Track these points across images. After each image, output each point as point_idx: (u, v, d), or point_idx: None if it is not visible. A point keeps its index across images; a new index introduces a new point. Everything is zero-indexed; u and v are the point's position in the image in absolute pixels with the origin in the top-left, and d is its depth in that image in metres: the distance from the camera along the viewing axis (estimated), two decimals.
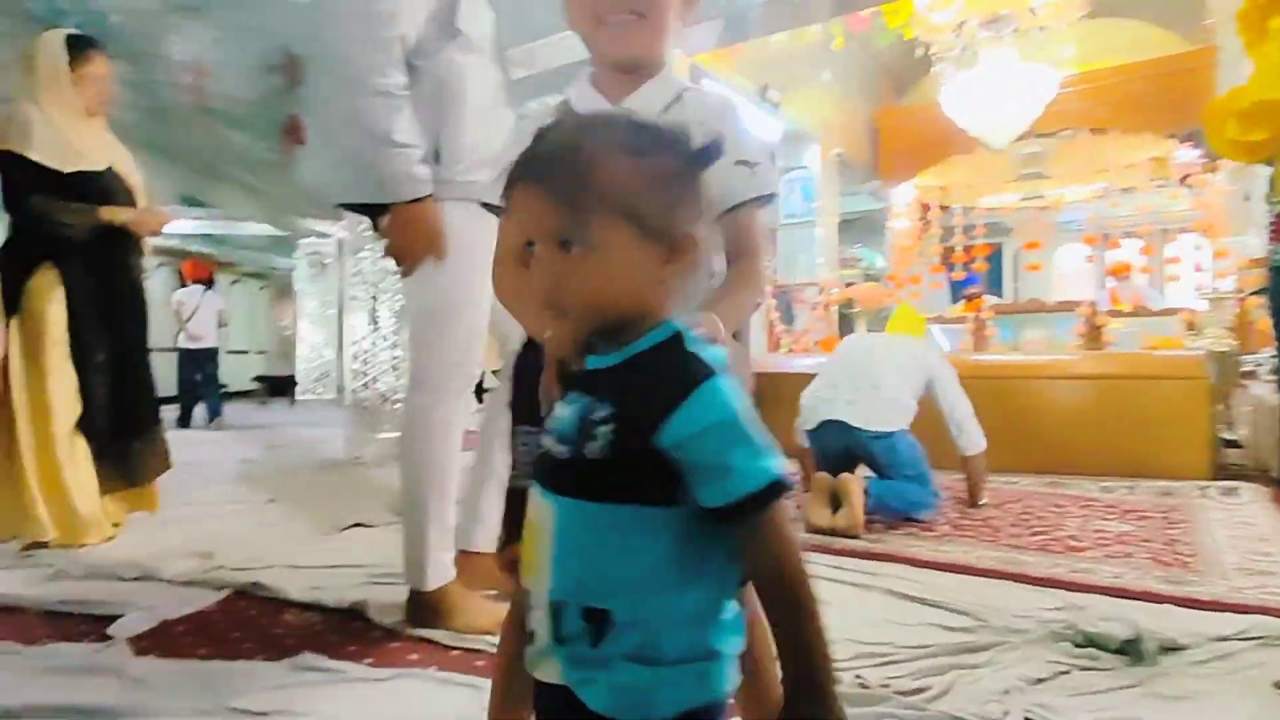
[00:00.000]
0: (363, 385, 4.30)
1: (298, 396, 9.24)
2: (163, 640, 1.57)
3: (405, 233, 1.48)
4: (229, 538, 2.37)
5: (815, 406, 2.71)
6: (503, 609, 1.43)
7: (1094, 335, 4.52)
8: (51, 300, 2.33)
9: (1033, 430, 3.57)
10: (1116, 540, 2.32)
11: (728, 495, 0.57)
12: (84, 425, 2.37)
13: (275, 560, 2.08)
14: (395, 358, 4.21)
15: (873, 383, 2.65)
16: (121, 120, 2.63)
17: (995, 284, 8.32)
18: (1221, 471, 3.39)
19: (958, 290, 6.01)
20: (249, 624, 1.67)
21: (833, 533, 2.40)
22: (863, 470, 2.66)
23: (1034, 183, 5.67)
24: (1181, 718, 1.22)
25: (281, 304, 9.44)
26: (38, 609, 1.76)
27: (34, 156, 2.27)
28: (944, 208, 5.98)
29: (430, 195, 1.48)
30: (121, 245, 2.47)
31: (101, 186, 2.40)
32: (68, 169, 2.32)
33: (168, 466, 2.62)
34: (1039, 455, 3.51)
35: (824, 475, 2.53)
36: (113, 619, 1.66)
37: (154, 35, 4.47)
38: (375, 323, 4.28)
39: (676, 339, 0.61)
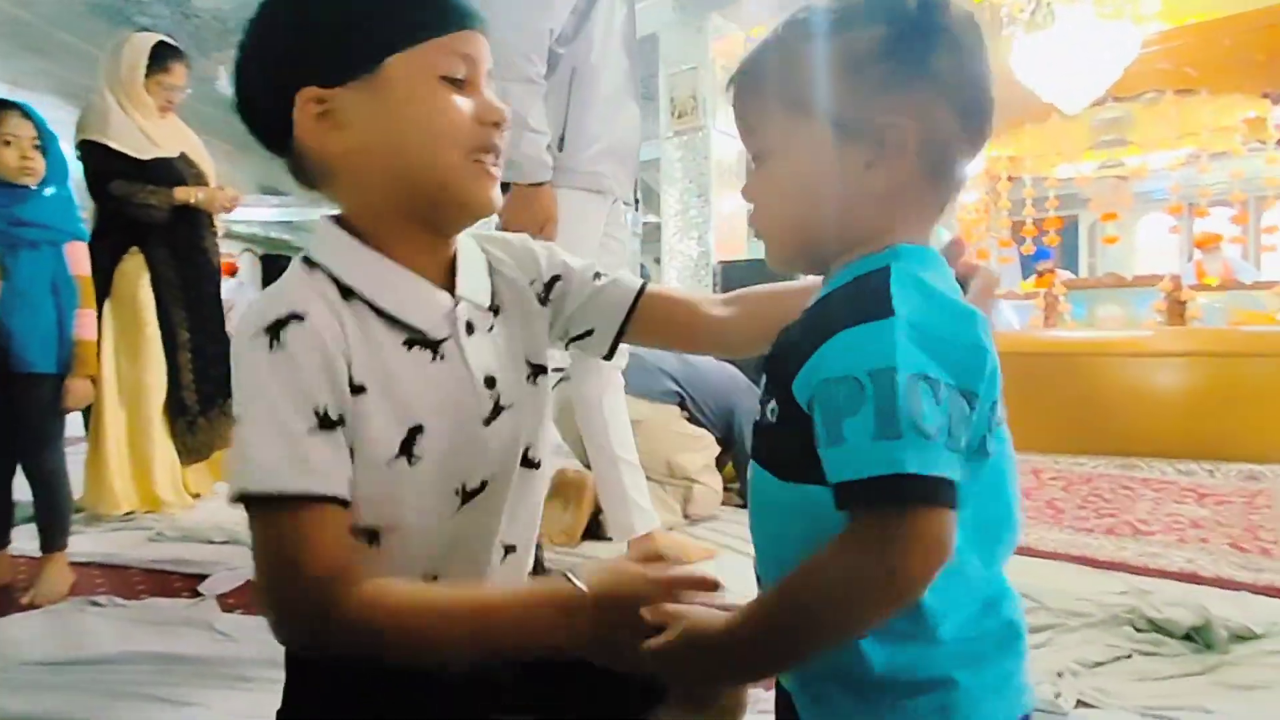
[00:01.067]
0: None
1: None
2: (247, 598, 1.69)
3: (521, 212, 1.52)
4: None
5: None
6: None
7: (1176, 311, 4.30)
8: (140, 284, 2.47)
9: (1105, 410, 3.43)
10: (1191, 525, 2.23)
11: (834, 474, 0.42)
12: (170, 404, 2.52)
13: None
14: None
15: None
16: (201, 112, 2.77)
17: (1070, 259, 7.95)
18: None
19: (1029, 265, 5.78)
20: None
21: None
22: None
23: (1113, 150, 5.36)
24: (1251, 708, 1.19)
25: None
26: (138, 567, 1.91)
27: (113, 144, 2.40)
28: (1013, 179, 5.72)
29: (549, 180, 1.54)
30: (197, 228, 2.59)
31: (175, 171, 2.52)
32: (144, 156, 2.45)
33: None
34: (1111, 436, 3.38)
35: None
36: (203, 578, 1.80)
37: (232, 32, 4.66)
38: None
39: (883, 271, 0.45)
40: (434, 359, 0.58)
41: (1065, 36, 4.14)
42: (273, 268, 11.46)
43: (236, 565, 1.86)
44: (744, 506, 2.48)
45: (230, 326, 7.51)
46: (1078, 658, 1.35)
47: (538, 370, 0.67)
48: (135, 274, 2.47)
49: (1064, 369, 3.54)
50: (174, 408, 2.54)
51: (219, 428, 2.65)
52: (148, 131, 2.49)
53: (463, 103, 0.58)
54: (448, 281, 0.61)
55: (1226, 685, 1.27)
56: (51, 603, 1.65)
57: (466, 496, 0.60)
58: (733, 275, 3.80)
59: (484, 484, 0.61)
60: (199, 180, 2.61)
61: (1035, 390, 3.55)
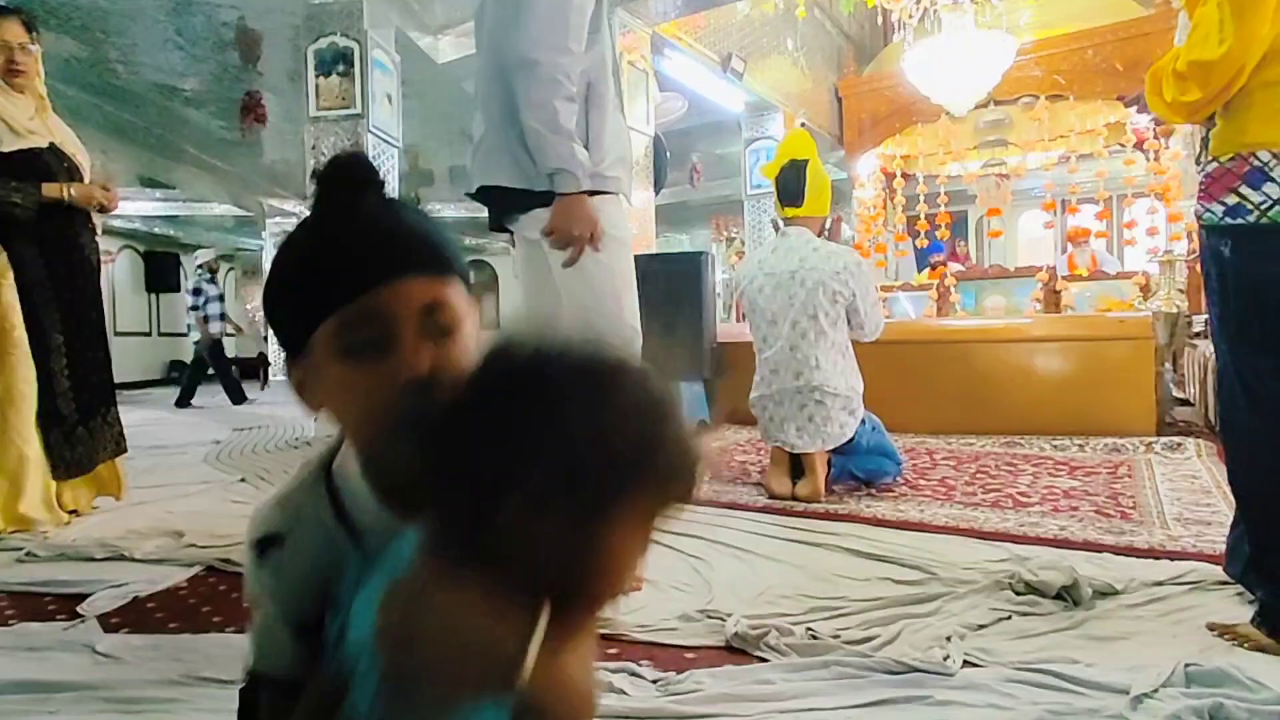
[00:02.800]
0: None
1: (271, 378, 9.14)
2: (133, 616, 1.59)
3: (573, 221, 1.64)
4: (199, 516, 2.38)
5: (767, 425, 2.60)
6: None
7: (1053, 299, 4.65)
8: (3, 286, 2.27)
9: (992, 393, 3.69)
10: (1064, 495, 2.42)
11: None
12: (43, 414, 2.32)
13: (244, 537, 2.09)
14: None
15: (816, 398, 2.47)
16: (75, 100, 2.56)
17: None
18: (1169, 428, 3.53)
19: (924, 258, 6.10)
20: (219, 598, 1.70)
21: (794, 500, 2.47)
22: None
23: (995, 150, 5.74)
24: (1112, 655, 1.30)
25: (250, 285, 9.30)
26: (6, 590, 1.77)
27: None
28: (907, 176, 6.03)
29: (587, 190, 1.66)
30: (71, 224, 2.40)
31: (44, 164, 2.34)
32: (6, 148, 2.26)
33: (122, 451, 2.57)
34: (998, 417, 3.63)
35: (782, 446, 2.57)
36: (84, 598, 1.68)
37: (104, 11, 4.33)
38: None
39: None
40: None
41: (950, 43, 4.40)
42: (155, 264, 10.76)
43: (122, 582, 1.75)
44: None
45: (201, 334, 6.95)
46: (964, 622, 1.44)
47: None
48: (8, 292, 2.27)
49: (955, 355, 3.77)
50: (48, 417, 2.34)
51: (101, 438, 2.47)
52: (9, 120, 2.29)
53: (369, 375, 0.54)
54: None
55: (1092, 638, 1.39)
56: None
57: None
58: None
59: None
60: (72, 174, 2.42)
61: (931, 376, 3.77)
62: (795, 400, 2.50)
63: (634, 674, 1.27)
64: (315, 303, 0.55)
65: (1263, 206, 1.30)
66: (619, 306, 1.75)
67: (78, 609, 1.62)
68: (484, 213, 1.88)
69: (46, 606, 1.66)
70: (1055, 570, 1.58)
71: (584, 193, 1.66)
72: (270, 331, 0.59)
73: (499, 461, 0.43)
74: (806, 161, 2.59)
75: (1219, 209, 1.35)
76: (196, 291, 7.11)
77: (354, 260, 0.55)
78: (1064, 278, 4.90)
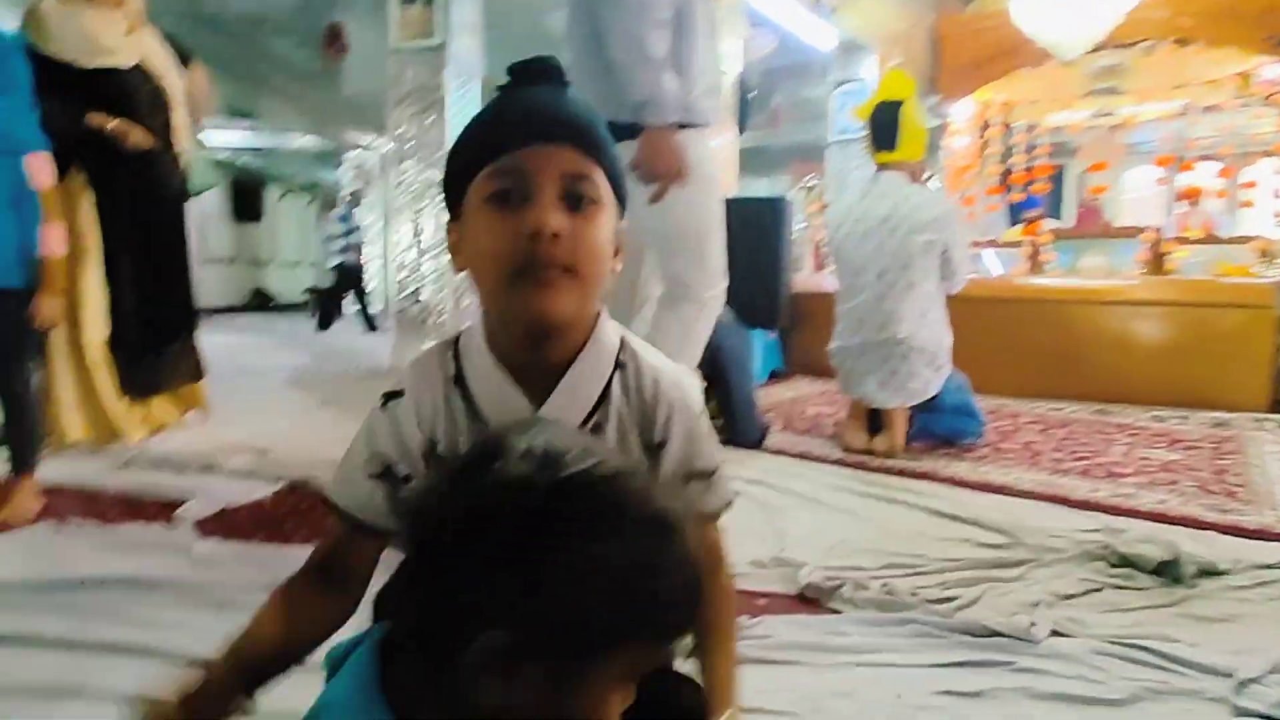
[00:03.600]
0: (406, 296, 4.36)
1: (345, 309, 9.44)
2: (224, 525, 1.67)
3: (657, 159, 1.58)
4: (282, 436, 2.47)
5: (847, 377, 2.53)
6: None
7: (1157, 262, 4.33)
8: (81, 207, 2.25)
9: (1085, 357, 3.48)
10: (1162, 468, 2.28)
11: None
12: (112, 338, 2.34)
13: (326, 457, 2.17)
14: (437, 269, 4.25)
15: (900, 352, 2.36)
16: (165, 29, 2.56)
17: (1057, 208, 7.96)
18: None
19: (1016, 213, 5.76)
20: (301, 514, 1.76)
21: (870, 454, 2.40)
22: None
23: (1106, 99, 5.30)
24: (1215, 637, 1.22)
25: (329, 217, 9.54)
26: (109, 493, 1.88)
27: (50, 50, 2.14)
28: (1006, 125, 5.65)
29: (677, 121, 1.60)
30: (150, 152, 2.35)
31: (125, 85, 2.28)
32: (87, 65, 2.19)
33: (198, 377, 2.62)
34: (1090, 382, 3.44)
35: (861, 400, 2.49)
36: (179, 504, 1.77)
37: None
38: (419, 235, 4.30)
39: None
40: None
41: None
42: (241, 194, 11.13)
43: (215, 493, 1.84)
44: (726, 443, 2.51)
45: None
46: (1051, 590, 1.38)
47: None
48: (77, 195, 2.25)
49: (1046, 316, 3.57)
50: (115, 341, 2.34)
51: (175, 364, 2.50)
52: (92, 37, 2.21)
53: (505, 221, 0.59)
54: (543, 388, 0.64)
55: (1192, 617, 1.31)
56: (20, 525, 1.62)
57: None
58: None
59: None
60: (155, 98, 2.37)
61: (1016, 336, 3.59)
62: (878, 353, 2.40)
63: None
64: (473, 158, 0.61)
65: None
66: (704, 245, 1.69)
67: (173, 514, 1.71)
68: None
69: (148, 510, 1.76)
70: (1154, 544, 1.49)
71: (672, 126, 1.60)
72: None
73: (472, 595, 0.41)
74: (902, 103, 2.43)
75: None
76: (344, 219, 7.41)
77: (511, 123, 0.61)
78: (1172, 239, 4.55)
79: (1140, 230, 4.66)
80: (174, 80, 2.48)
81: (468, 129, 0.64)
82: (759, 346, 3.89)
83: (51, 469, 1.91)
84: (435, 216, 4.26)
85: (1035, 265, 4.58)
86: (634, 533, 0.43)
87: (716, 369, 2.48)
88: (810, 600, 1.34)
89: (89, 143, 2.23)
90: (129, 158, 2.32)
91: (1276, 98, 4.76)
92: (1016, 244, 4.87)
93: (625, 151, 1.63)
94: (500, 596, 0.40)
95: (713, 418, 2.53)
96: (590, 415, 0.65)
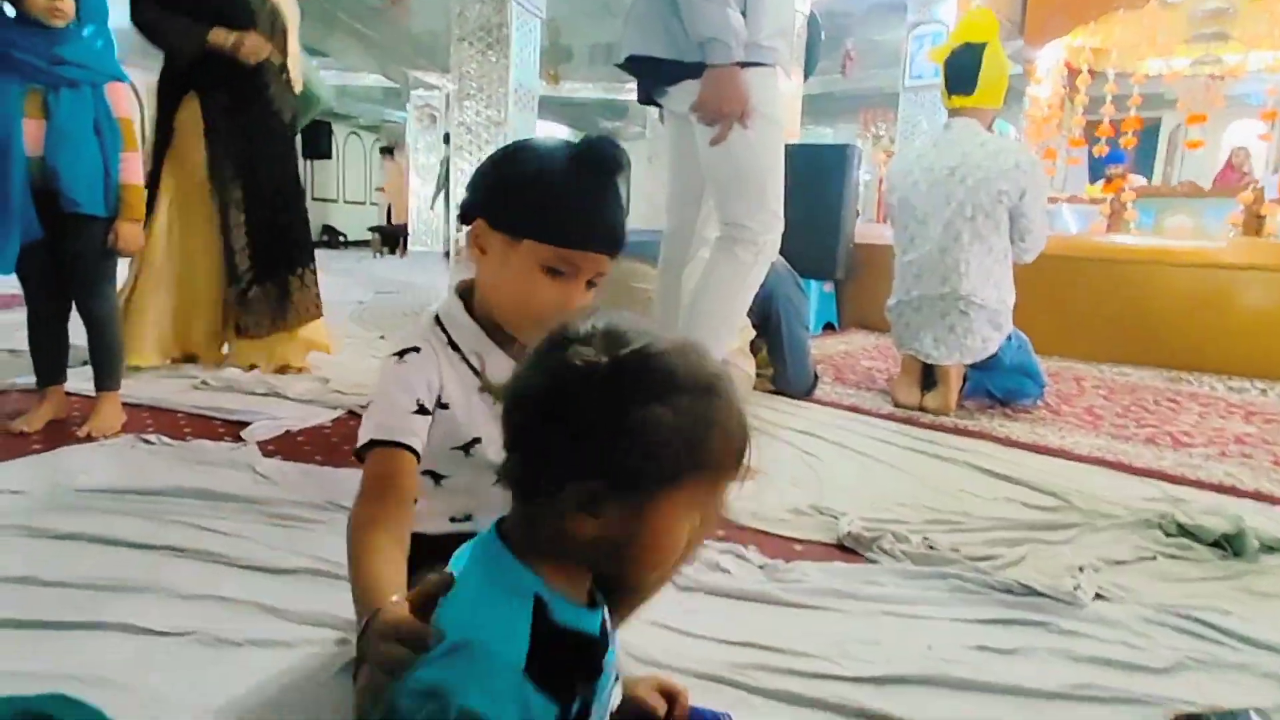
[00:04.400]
0: (466, 235, 4.42)
1: (409, 248, 9.62)
2: (285, 446, 1.76)
3: (721, 97, 1.56)
4: (342, 367, 2.56)
5: (902, 331, 2.46)
6: None
7: (1254, 225, 4.05)
8: (194, 134, 2.29)
9: (1160, 322, 3.31)
10: (1235, 440, 2.17)
11: None
12: (223, 270, 2.37)
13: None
14: None
15: (960, 308, 2.29)
16: None
17: (1145, 164, 7.47)
18: None
19: (1099, 168, 5.44)
20: (355, 440, 1.84)
21: (921, 411, 2.35)
22: None
23: (1210, 45, 4.90)
24: (1270, 613, 1.18)
25: (394, 156, 9.66)
26: (184, 411, 1.99)
27: None
28: (1095, 73, 5.29)
29: (742, 60, 1.56)
30: (260, 75, 2.34)
31: (246, 4, 2.28)
32: None
33: (318, 312, 2.55)
34: (1163, 349, 3.27)
35: (915, 355, 2.43)
36: (245, 425, 1.87)
37: None
38: None
39: None
40: (495, 403, 0.73)
41: None
42: (311, 132, 11.32)
43: (278, 416, 1.93)
44: (775, 392, 2.50)
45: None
46: (1101, 555, 1.34)
47: None
48: (191, 124, 2.30)
49: (1122, 277, 3.39)
50: (227, 274, 2.38)
51: (288, 301, 2.44)
52: None
53: (554, 290, 0.80)
54: (520, 352, 0.79)
55: (1250, 591, 1.26)
56: (105, 437, 1.74)
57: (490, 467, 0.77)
58: None
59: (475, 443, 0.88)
60: (274, 20, 2.34)
61: (1088, 297, 3.43)
62: (937, 308, 2.33)
63: (740, 556, 1.27)
64: (551, 233, 0.79)
65: None
66: (762, 189, 1.65)
67: (240, 434, 1.81)
68: (620, 95, 1.82)
69: (216, 429, 1.86)
70: (1218, 516, 1.43)
71: (737, 64, 1.55)
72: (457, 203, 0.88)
73: (560, 453, 0.52)
74: (985, 45, 2.30)
75: None
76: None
77: (590, 231, 0.81)
78: (1273, 200, 4.23)
79: (1239, 190, 4.35)
80: (292, 11, 2.46)
81: (547, 195, 0.80)
82: (814, 297, 3.82)
83: (130, 386, 2.02)
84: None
85: (1115, 223, 4.34)
86: (688, 393, 0.52)
87: (768, 316, 2.45)
88: (848, 550, 1.34)
89: (207, 64, 2.24)
90: (245, 84, 2.31)
91: None
92: (1097, 201, 4.61)
93: (689, 90, 1.60)
94: (583, 452, 0.50)
95: (760, 367, 2.51)
96: None
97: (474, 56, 4.26)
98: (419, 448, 0.79)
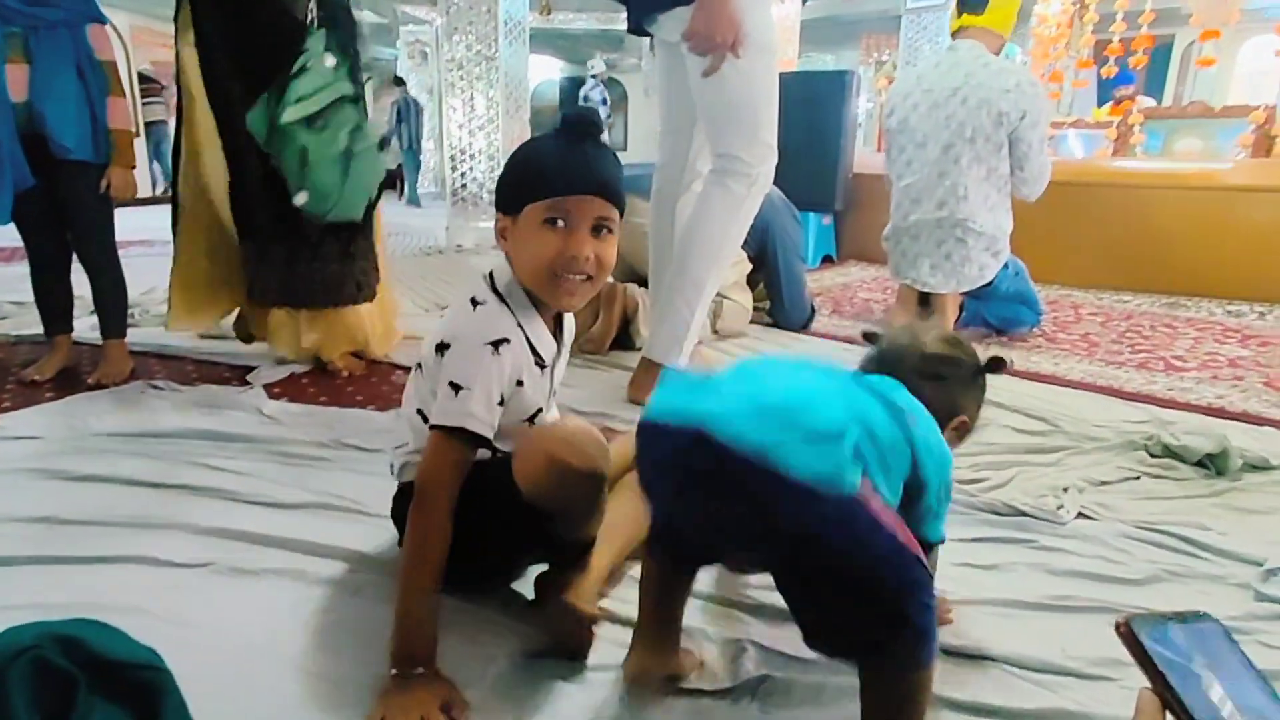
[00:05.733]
0: (460, 176, 4.36)
1: (407, 190, 9.50)
2: (291, 389, 1.80)
3: (712, 23, 1.51)
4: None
5: (899, 260, 2.44)
6: None
7: (1264, 145, 3.97)
8: (187, 46, 1.82)
9: (1162, 247, 3.28)
10: (1229, 363, 2.19)
11: None
12: (239, 221, 1.86)
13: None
14: (489, 146, 4.22)
15: (958, 235, 2.27)
16: None
17: (1156, 84, 7.26)
18: None
19: (1107, 90, 5.29)
20: (361, 380, 1.87)
21: None
22: None
23: None
24: (1251, 528, 1.22)
25: (386, 94, 9.43)
26: (191, 357, 2.03)
27: None
28: None
29: None
30: None
31: None
32: None
33: (369, 294, 1.96)
34: (1164, 274, 3.25)
35: (913, 284, 2.43)
36: (251, 369, 1.90)
37: None
38: (472, 109, 4.24)
39: None
40: (543, 374, 0.94)
41: None
42: None
43: (281, 359, 1.96)
44: (772, 325, 2.52)
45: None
46: (1085, 476, 1.38)
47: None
48: (183, 34, 1.82)
49: (1126, 201, 3.35)
50: (243, 229, 1.87)
51: (322, 272, 1.87)
52: None
53: (556, 239, 0.86)
54: (556, 327, 0.96)
55: (1230, 508, 1.30)
56: (115, 383, 1.78)
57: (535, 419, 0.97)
58: None
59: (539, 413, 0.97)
60: None
61: (1092, 223, 3.39)
62: (934, 235, 2.32)
63: None
64: (535, 191, 0.87)
65: None
66: (755, 120, 1.63)
67: (246, 378, 1.84)
68: (614, 26, 1.77)
69: (222, 374, 1.90)
70: (1202, 436, 1.46)
71: None
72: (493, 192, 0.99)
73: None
74: None
75: None
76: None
77: (569, 178, 0.86)
78: None
79: (1251, 110, 4.25)
80: None
81: (530, 163, 0.90)
82: (812, 229, 3.79)
83: (136, 335, 2.05)
84: (486, 93, 4.19)
85: (1122, 147, 4.26)
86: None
87: (764, 249, 2.45)
88: None
89: None
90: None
91: None
92: (1104, 124, 4.52)
93: (679, 18, 1.56)
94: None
95: (758, 301, 2.52)
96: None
97: None
98: (489, 435, 0.86)
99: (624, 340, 2.17)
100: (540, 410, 0.95)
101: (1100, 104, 5.24)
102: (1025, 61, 5.36)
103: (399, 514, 0.97)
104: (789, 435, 0.60)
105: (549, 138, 0.90)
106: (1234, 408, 1.79)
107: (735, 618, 0.94)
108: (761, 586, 0.98)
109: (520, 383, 0.89)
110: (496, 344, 0.86)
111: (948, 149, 2.25)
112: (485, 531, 0.85)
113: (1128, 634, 0.40)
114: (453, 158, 4.37)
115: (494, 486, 0.84)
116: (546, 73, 13.21)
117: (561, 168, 0.87)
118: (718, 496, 0.64)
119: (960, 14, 2.29)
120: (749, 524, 0.64)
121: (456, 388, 0.84)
